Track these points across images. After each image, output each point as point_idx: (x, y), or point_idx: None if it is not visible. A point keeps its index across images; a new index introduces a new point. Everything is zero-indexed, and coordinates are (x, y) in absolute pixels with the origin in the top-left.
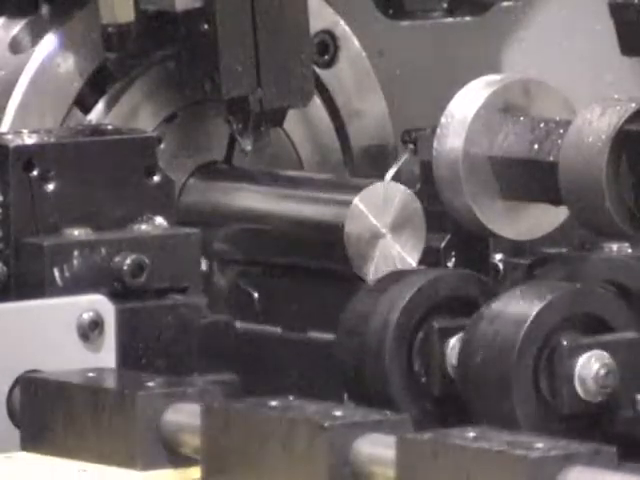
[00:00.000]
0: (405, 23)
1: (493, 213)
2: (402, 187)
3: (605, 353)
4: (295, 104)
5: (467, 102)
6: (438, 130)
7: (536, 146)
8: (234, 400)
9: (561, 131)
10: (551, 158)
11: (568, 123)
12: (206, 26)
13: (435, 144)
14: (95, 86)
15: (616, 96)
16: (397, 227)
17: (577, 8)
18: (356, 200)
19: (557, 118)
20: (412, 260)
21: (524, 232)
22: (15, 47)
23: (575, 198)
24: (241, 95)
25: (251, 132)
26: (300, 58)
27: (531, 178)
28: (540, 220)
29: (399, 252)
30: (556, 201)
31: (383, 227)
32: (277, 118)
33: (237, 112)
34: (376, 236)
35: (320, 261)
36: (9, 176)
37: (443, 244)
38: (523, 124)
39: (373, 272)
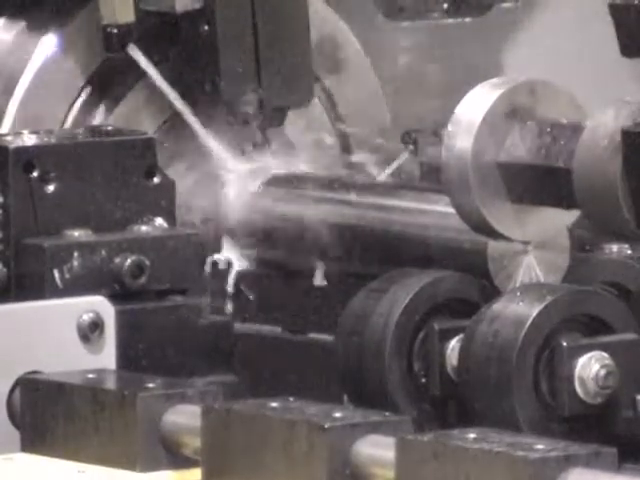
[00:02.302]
0: (405, 24)
1: (502, 216)
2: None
3: (605, 354)
4: (295, 104)
5: (475, 105)
6: (446, 133)
7: (544, 150)
8: (234, 401)
9: (569, 134)
10: (559, 161)
11: (576, 126)
12: (206, 27)
13: (443, 147)
14: (95, 87)
15: (628, 98)
16: (540, 246)
17: (577, 9)
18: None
19: (565, 121)
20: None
21: (533, 235)
22: (15, 48)
23: (590, 202)
24: (241, 95)
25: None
26: (300, 58)
27: (539, 181)
28: (549, 223)
29: (540, 272)
30: (564, 204)
31: (527, 245)
32: (277, 118)
33: (237, 113)
34: (519, 253)
35: (319, 262)
36: (9, 177)
37: None
38: (531, 127)
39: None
